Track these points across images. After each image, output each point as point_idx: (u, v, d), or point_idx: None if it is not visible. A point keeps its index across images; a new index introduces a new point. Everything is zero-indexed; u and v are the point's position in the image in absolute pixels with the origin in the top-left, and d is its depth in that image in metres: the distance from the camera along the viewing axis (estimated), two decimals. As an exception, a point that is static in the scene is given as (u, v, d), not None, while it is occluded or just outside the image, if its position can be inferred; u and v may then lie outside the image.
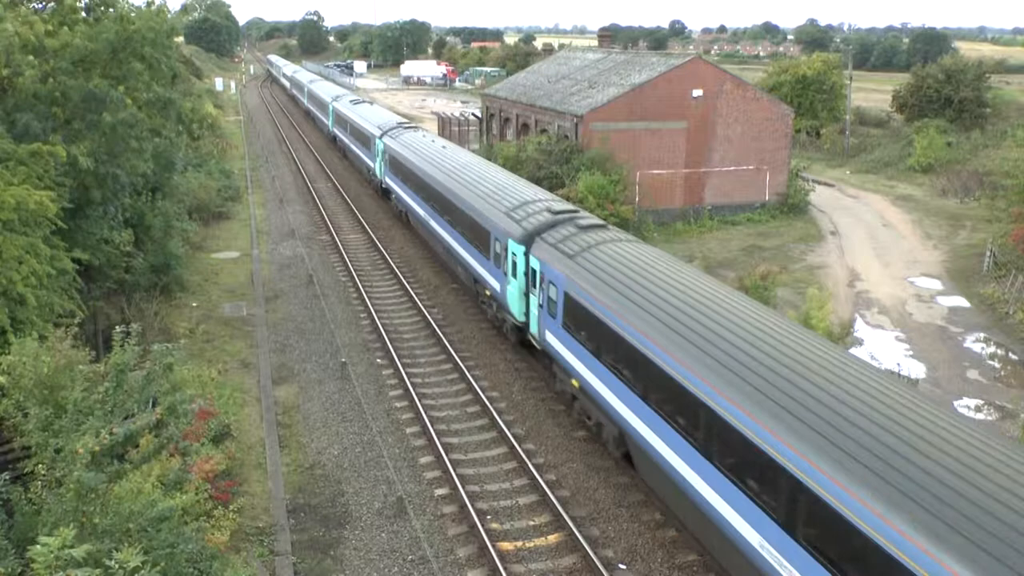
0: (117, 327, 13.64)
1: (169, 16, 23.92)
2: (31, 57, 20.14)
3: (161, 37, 22.75)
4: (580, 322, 18.69)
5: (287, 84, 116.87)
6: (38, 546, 8.26)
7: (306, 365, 24.62)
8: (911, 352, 27.06)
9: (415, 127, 44.90)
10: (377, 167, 44.97)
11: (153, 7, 23.90)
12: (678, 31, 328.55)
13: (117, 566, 8.50)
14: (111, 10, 22.76)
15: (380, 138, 43.43)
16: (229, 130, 73.67)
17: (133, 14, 22.89)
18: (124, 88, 22.04)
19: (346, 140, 58.06)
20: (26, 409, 13.23)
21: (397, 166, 38.93)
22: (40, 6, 23.82)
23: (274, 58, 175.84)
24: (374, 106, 59.52)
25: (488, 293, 26.09)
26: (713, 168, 43.52)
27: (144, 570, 8.86)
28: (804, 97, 67.04)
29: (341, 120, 59.84)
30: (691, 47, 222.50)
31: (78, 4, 22.93)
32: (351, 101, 61.59)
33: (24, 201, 16.84)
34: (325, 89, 77.06)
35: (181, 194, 36.60)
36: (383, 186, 43.92)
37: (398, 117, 50.84)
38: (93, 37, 21.11)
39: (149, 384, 12.82)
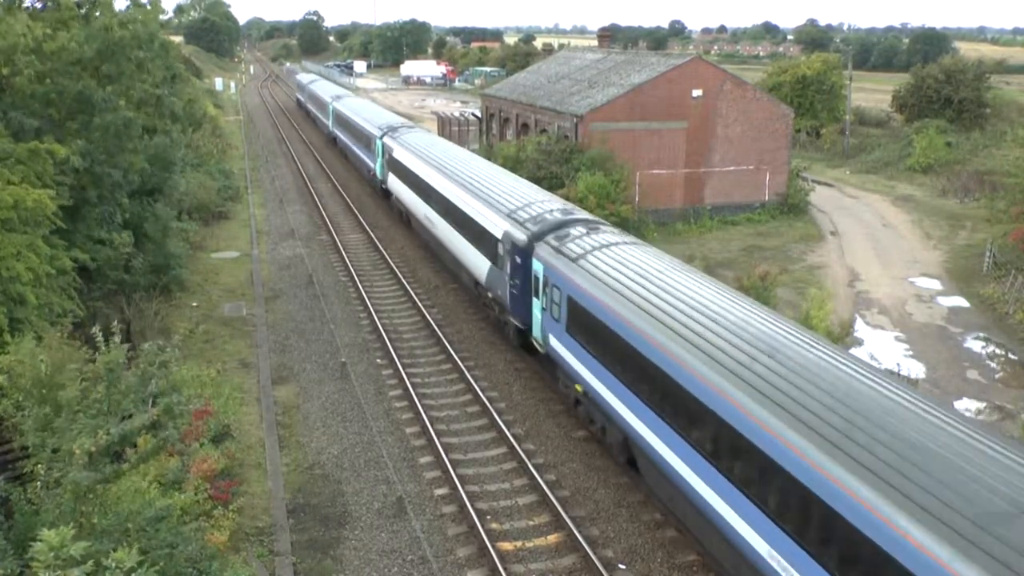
0: (94, 328, 13.57)
1: (167, 16, 23.97)
2: (32, 57, 20.15)
3: (145, 41, 22.73)
4: None
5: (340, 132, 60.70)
6: (39, 543, 8.26)
7: (306, 365, 24.61)
8: (911, 352, 27.05)
9: (603, 225, 22.38)
10: (534, 316, 22.17)
11: (146, 6, 23.91)
12: (678, 31, 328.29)
13: (114, 565, 8.50)
14: (99, 13, 22.76)
15: (538, 257, 21.19)
16: (229, 130, 73.65)
17: (122, 17, 22.88)
18: (112, 88, 22.03)
19: (423, 219, 33.76)
20: (25, 409, 13.21)
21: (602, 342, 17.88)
22: (40, 5, 23.81)
23: (314, 86, 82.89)
24: (488, 164, 33.71)
25: None
26: (713, 168, 43.50)
27: (141, 570, 8.85)
28: (804, 97, 67.03)
29: (404, 177, 37.24)
30: (691, 47, 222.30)
31: (73, 1, 22.93)
32: (422, 146, 37.20)
33: (22, 200, 16.84)
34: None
35: (180, 194, 36.57)
36: (547, 353, 21.53)
37: (551, 197, 26.12)
38: (83, 42, 21.12)
39: (145, 384, 12.78)
